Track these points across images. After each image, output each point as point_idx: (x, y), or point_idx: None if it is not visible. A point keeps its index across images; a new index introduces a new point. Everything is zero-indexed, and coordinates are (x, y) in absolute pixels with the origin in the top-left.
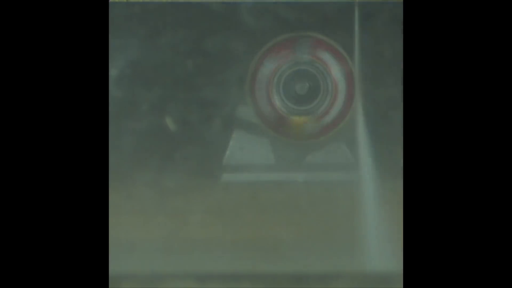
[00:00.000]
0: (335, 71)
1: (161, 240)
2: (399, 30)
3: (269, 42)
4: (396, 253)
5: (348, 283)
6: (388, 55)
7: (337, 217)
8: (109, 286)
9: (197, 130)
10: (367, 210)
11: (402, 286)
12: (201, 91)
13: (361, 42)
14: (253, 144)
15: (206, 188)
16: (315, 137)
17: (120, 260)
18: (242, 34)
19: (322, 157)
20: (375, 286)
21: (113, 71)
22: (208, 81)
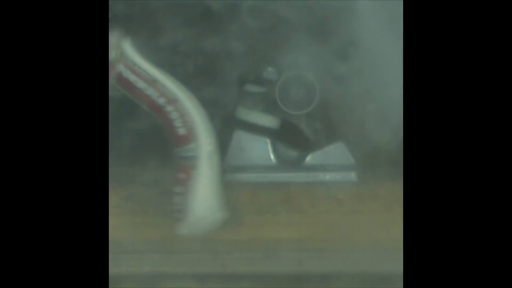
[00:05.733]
0: None
1: (161, 240)
2: (399, 30)
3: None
4: (396, 254)
5: (348, 283)
6: (388, 55)
7: (337, 217)
8: (109, 286)
9: None
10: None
11: (402, 286)
12: (201, 91)
13: (361, 41)
14: (253, 144)
15: None
16: None
17: (120, 261)
18: (242, 34)
19: (322, 158)
20: (375, 286)
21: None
22: (208, 81)
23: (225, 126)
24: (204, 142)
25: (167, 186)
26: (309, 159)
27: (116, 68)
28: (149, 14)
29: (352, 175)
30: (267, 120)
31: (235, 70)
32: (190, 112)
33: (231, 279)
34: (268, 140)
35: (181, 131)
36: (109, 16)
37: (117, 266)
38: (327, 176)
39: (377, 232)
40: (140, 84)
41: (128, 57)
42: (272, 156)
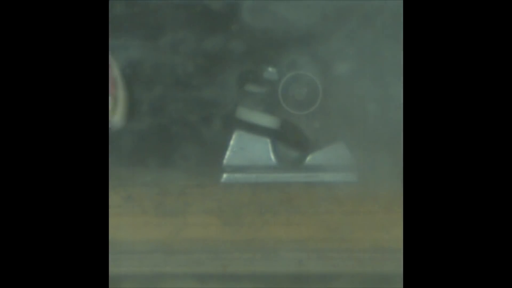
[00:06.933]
0: None
1: (161, 240)
2: (399, 30)
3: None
4: (396, 254)
5: (348, 283)
6: (388, 55)
7: (337, 217)
8: (109, 286)
9: (197, 130)
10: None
11: (402, 286)
12: (201, 91)
13: (361, 41)
14: (253, 144)
15: (206, 188)
16: None
17: (120, 261)
18: (242, 34)
19: (322, 158)
20: (375, 287)
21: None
22: (208, 81)
23: (225, 126)
24: None
25: (167, 186)
26: (309, 159)
27: None
28: (149, 14)
29: (352, 175)
30: (268, 120)
31: (235, 70)
32: None
33: (231, 279)
34: (268, 140)
35: None
36: (109, 16)
37: (117, 266)
38: (327, 176)
39: (377, 233)
40: None
41: None
42: (272, 156)
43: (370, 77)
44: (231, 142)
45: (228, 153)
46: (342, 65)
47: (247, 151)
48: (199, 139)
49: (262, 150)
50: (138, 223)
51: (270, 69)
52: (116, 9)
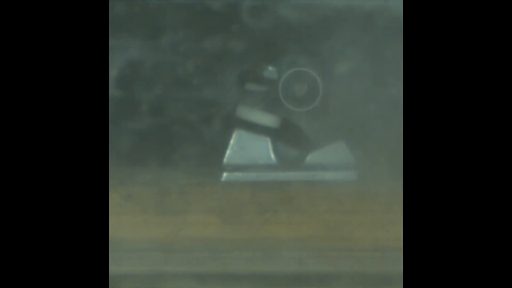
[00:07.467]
0: None
1: (161, 240)
2: (399, 30)
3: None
4: (396, 253)
5: (348, 283)
6: (388, 55)
7: (337, 217)
8: (109, 286)
9: (197, 129)
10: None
11: (402, 286)
12: (201, 91)
13: (361, 41)
14: (253, 143)
15: (206, 187)
16: None
17: (120, 260)
18: (242, 34)
19: (322, 157)
20: (375, 286)
21: (113, 71)
22: (208, 81)
23: (225, 126)
24: None
25: (167, 185)
26: (309, 158)
27: None
28: (149, 14)
29: (352, 175)
30: (268, 119)
31: (235, 70)
32: None
33: (231, 279)
34: (268, 139)
35: None
36: (109, 16)
37: (117, 265)
38: (327, 175)
39: (377, 232)
40: None
41: None
42: (272, 155)
43: (370, 77)
44: (231, 141)
45: (228, 152)
46: (342, 65)
47: (247, 150)
48: (199, 139)
49: (262, 149)
50: (138, 222)
51: (270, 68)
52: (116, 9)
